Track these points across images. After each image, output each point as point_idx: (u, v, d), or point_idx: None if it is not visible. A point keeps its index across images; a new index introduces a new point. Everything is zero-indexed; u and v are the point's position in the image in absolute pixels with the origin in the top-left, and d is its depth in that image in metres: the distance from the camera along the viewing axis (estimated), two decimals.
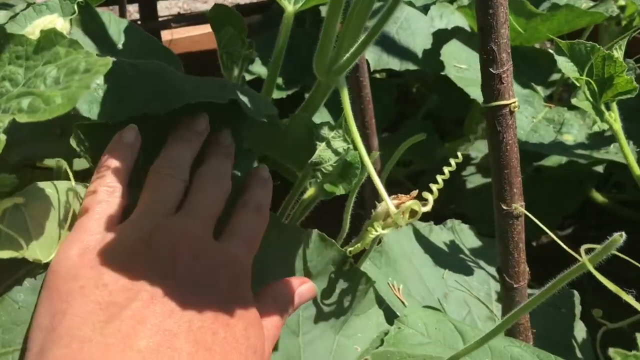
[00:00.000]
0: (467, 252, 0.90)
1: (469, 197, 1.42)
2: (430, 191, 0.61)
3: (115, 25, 0.77)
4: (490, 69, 0.57)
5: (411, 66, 1.27)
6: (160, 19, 1.77)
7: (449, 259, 0.87)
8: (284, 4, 0.73)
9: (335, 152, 0.61)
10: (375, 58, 1.24)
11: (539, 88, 1.21)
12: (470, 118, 1.46)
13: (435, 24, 1.33)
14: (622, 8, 1.08)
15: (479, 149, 1.56)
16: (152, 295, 0.43)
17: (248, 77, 1.43)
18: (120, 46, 0.76)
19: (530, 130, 1.07)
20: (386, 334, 0.68)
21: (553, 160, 1.34)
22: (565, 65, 0.71)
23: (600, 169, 1.26)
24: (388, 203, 0.59)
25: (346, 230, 0.71)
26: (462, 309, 0.80)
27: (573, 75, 0.70)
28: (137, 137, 0.52)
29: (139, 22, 1.76)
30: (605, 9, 1.14)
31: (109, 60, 0.39)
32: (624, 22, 1.11)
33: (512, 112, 0.59)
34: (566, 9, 1.10)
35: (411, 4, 1.13)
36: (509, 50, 0.58)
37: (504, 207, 0.62)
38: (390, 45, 1.28)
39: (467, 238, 0.94)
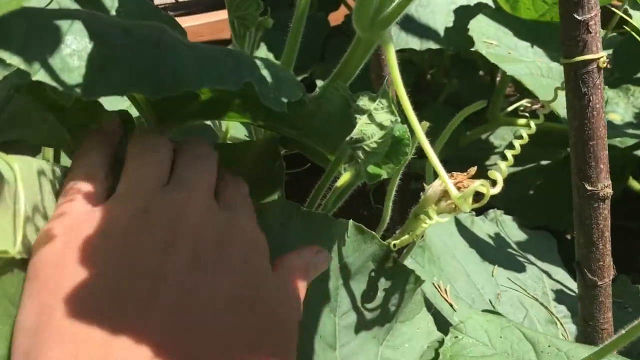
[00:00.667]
0: (515, 246, 0.79)
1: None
2: (497, 170, 0.50)
3: None
4: (575, 15, 0.46)
5: (433, 45, 1.16)
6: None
7: (496, 253, 0.76)
8: None
9: (381, 125, 0.50)
10: (393, 37, 1.13)
11: None
12: (493, 103, 1.36)
13: (456, 1, 1.22)
14: None
15: (502, 136, 1.45)
16: (156, 277, 0.34)
17: None
18: (113, 12, 0.64)
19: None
20: (440, 343, 0.57)
21: None
22: None
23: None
24: (448, 183, 0.48)
25: (387, 220, 0.60)
26: (519, 311, 0.69)
27: None
28: (119, 126, 0.47)
29: None
30: None
31: None
32: None
33: (600, 69, 0.48)
34: None
35: None
36: None
37: (588, 187, 0.50)
38: (409, 24, 1.17)
39: (511, 230, 0.83)
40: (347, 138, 0.51)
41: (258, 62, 0.44)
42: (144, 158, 0.43)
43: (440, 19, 1.20)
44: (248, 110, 0.52)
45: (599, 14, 0.47)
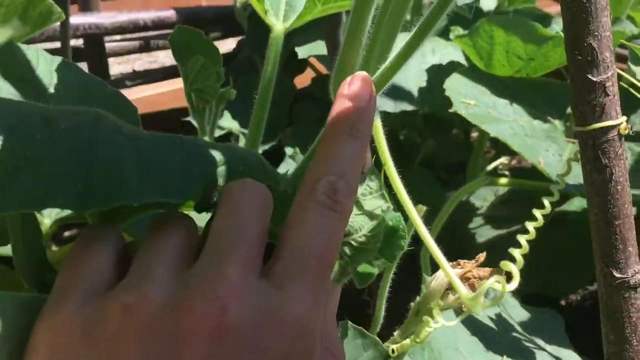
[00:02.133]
0: (519, 328, 0.70)
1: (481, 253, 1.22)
2: (513, 260, 0.42)
3: (45, 64, 0.57)
4: (589, 76, 0.40)
5: (407, 106, 1.10)
6: (112, 78, 1.58)
7: (501, 340, 0.67)
8: (271, 21, 0.55)
9: (370, 214, 0.42)
10: None
11: (556, 122, 1.05)
12: (472, 163, 1.30)
13: (427, 60, 1.18)
14: None
15: (483, 197, 1.39)
16: None
17: (216, 133, 1.25)
18: (52, 90, 0.56)
19: (562, 170, 0.90)
20: None
21: (576, 205, 1.18)
22: None
23: None
24: (455, 282, 0.40)
25: (381, 321, 0.51)
26: None
27: None
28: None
29: None
30: (622, 27, 1.01)
31: None
32: None
33: (621, 137, 0.41)
34: None
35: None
36: (612, 48, 0.40)
37: (617, 275, 0.43)
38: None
39: (513, 309, 0.75)
40: None
41: (216, 154, 0.36)
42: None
43: (413, 79, 1.14)
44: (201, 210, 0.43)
45: (616, 73, 0.41)
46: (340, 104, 0.36)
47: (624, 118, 0.41)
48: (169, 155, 0.35)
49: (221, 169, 0.36)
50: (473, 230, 1.30)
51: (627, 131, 0.41)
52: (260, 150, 1.21)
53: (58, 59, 0.58)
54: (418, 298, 0.49)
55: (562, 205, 1.19)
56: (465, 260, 0.47)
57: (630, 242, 0.43)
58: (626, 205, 0.42)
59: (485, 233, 1.28)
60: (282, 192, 0.43)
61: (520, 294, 1.13)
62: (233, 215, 0.33)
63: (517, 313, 0.74)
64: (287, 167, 1.08)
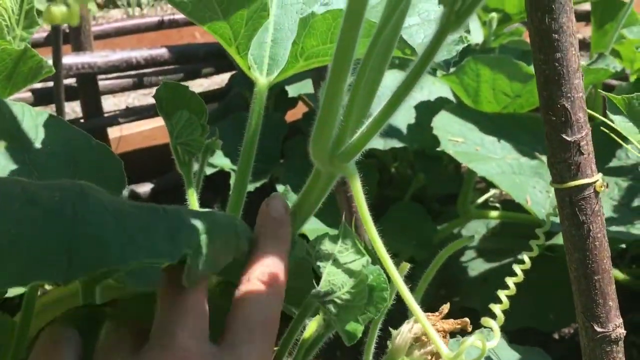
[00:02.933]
0: None
1: (474, 287, 1.23)
2: (499, 301, 0.43)
3: (30, 119, 0.58)
4: (563, 135, 0.40)
5: (396, 143, 1.11)
6: (106, 115, 1.59)
7: None
8: (255, 75, 0.56)
9: (350, 272, 0.42)
10: None
11: (543, 158, 1.06)
12: (462, 196, 1.31)
13: (416, 96, 1.19)
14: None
15: (474, 229, 1.39)
16: None
17: (209, 171, 1.25)
18: (37, 145, 0.57)
19: (551, 207, 0.90)
20: None
21: None
22: (624, 126, 0.55)
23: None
24: (436, 340, 0.40)
25: None
26: None
27: (636, 139, 0.54)
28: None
29: (81, 121, 1.58)
30: (606, 64, 1.02)
31: None
32: (633, 77, 0.99)
33: (597, 194, 0.42)
34: None
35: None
36: (586, 108, 0.41)
37: (598, 329, 0.43)
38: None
39: (500, 350, 0.75)
40: (314, 291, 0.43)
41: (197, 223, 0.36)
42: None
43: (402, 116, 1.16)
44: None
45: (590, 132, 0.42)
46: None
47: (600, 175, 0.42)
48: (153, 223, 0.35)
49: (203, 237, 0.36)
50: (465, 263, 1.30)
51: (602, 188, 0.42)
52: (251, 188, 1.22)
53: (44, 114, 0.58)
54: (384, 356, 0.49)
55: (552, 239, 1.20)
56: (429, 313, 0.47)
57: (610, 297, 0.43)
58: (605, 261, 0.43)
59: (477, 266, 1.28)
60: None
61: (513, 328, 1.13)
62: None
63: (505, 354, 0.73)
64: None
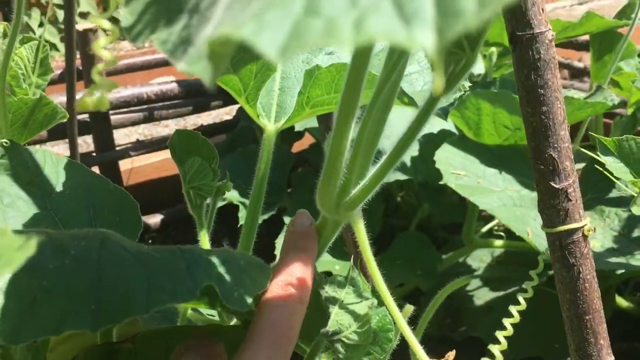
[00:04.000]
0: None
1: (480, 316, 1.25)
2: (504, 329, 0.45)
3: (51, 165, 0.61)
4: (552, 183, 0.43)
5: (400, 176, 1.14)
6: (117, 148, 1.63)
7: None
8: (263, 122, 0.59)
9: (355, 315, 0.45)
10: None
11: None
12: (467, 226, 1.33)
13: None
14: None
15: (479, 258, 1.41)
16: None
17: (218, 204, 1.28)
18: (58, 189, 0.60)
19: None
20: None
21: None
22: (615, 167, 0.58)
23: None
24: None
25: None
26: None
27: (627, 178, 0.57)
28: None
29: (94, 154, 1.62)
30: (604, 97, 1.05)
31: None
32: (630, 110, 1.01)
33: (586, 237, 0.44)
34: (565, 102, 1.00)
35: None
36: (572, 157, 0.44)
37: None
38: (375, 157, 1.16)
39: None
40: (323, 330, 0.45)
41: (214, 259, 0.39)
42: None
43: None
44: (212, 305, 0.46)
45: (577, 179, 0.44)
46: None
47: (588, 220, 0.45)
48: (172, 264, 0.38)
49: (221, 269, 0.39)
50: (470, 292, 1.31)
51: (590, 232, 0.44)
52: (259, 221, 1.25)
53: (64, 160, 0.62)
54: None
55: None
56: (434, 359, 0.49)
57: (602, 335, 0.46)
58: (595, 301, 0.45)
59: (482, 295, 1.30)
60: None
61: (518, 357, 1.14)
62: None
63: None
64: None
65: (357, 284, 0.46)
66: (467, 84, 0.58)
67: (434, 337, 1.26)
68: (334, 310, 0.45)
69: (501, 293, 1.27)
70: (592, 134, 0.60)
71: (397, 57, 0.42)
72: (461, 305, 1.31)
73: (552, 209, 0.44)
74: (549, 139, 0.43)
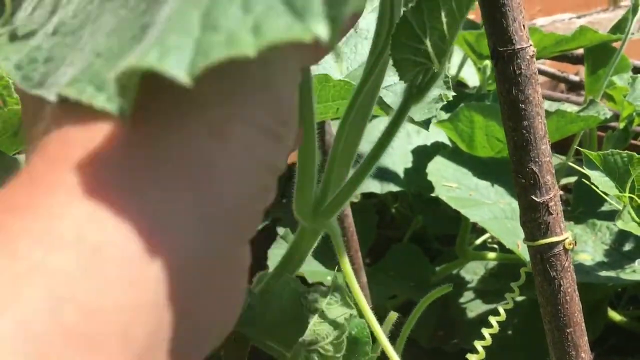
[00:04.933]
0: None
1: (473, 329, 1.24)
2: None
3: None
4: (533, 197, 0.43)
5: (393, 187, 1.14)
6: None
7: None
8: None
9: (334, 324, 0.45)
10: None
11: None
12: (460, 238, 1.33)
13: (412, 141, 1.23)
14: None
15: (473, 270, 1.41)
16: None
17: None
18: None
19: None
20: None
21: None
22: (601, 181, 0.58)
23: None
24: None
25: None
26: None
27: (613, 193, 0.57)
28: None
29: None
30: (596, 111, 1.05)
31: None
32: (621, 124, 1.02)
33: (567, 251, 0.44)
34: (557, 115, 1.00)
35: (411, 120, 1.02)
36: (553, 171, 0.44)
37: None
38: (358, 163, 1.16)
39: None
40: (300, 339, 0.45)
41: None
42: None
43: (399, 160, 1.19)
44: None
45: (558, 193, 0.45)
46: None
47: (569, 234, 0.45)
48: None
49: None
50: (463, 304, 1.31)
51: (571, 246, 0.44)
52: None
53: None
54: None
55: None
56: None
57: (583, 349, 0.46)
58: (576, 314, 0.45)
59: (475, 307, 1.29)
60: (256, 300, 0.46)
61: None
62: None
63: None
64: (279, 249, 1.10)
65: (340, 293, 0.47)
66: (451, 94, 0.58)
67: (427, 349, 1.25)
68: (313, 320, 0.45)
69: (494, 306, 1.27)
70: (579, 147, 0.60)
71: (374, 63, 0.42)
72: (454, 317, 1.30)
73: (533, 222, 0.44)
74: (530, 153, 0.43)
